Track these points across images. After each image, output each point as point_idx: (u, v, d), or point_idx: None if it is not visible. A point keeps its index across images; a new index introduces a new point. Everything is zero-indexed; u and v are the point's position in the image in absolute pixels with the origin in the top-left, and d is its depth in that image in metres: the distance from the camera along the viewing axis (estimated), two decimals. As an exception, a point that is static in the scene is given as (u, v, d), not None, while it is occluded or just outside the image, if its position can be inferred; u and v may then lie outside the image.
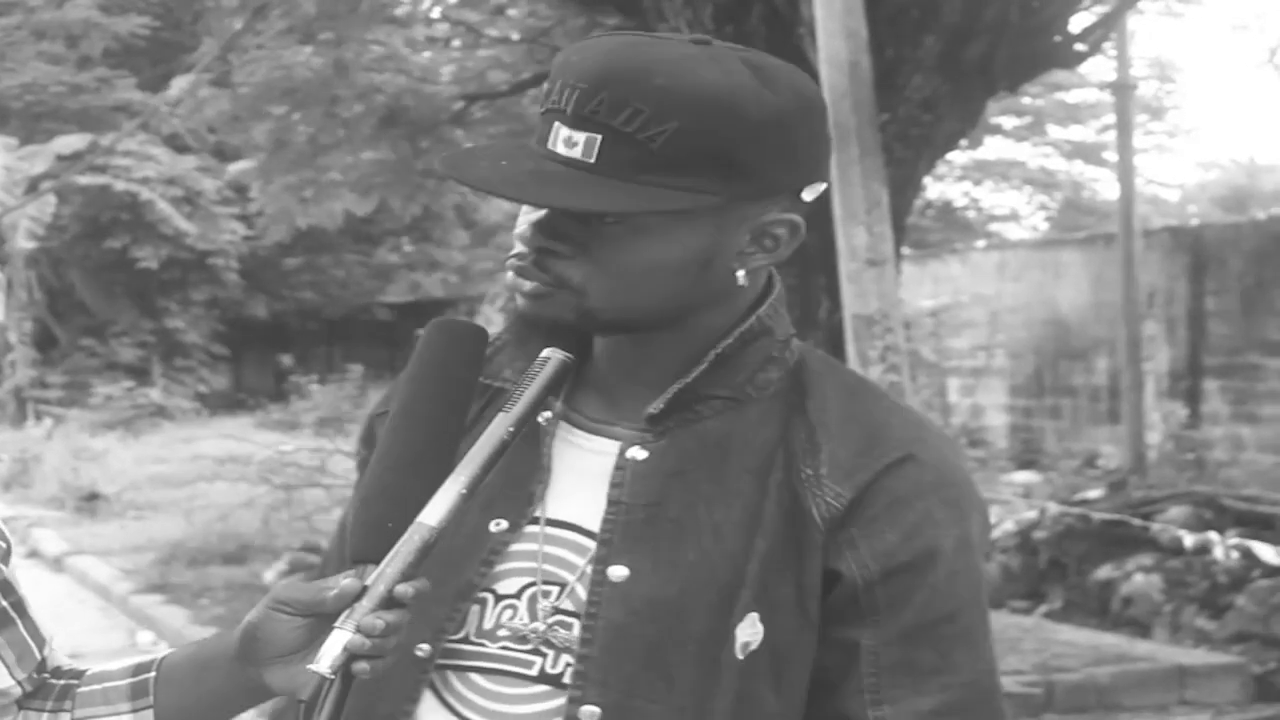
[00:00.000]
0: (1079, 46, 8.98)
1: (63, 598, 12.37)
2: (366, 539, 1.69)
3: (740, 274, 1.81)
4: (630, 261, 1.77)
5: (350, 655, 1.63)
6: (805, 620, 1.80)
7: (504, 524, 1.83)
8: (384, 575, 1.64)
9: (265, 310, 30.74)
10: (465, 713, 1.82)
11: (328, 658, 1.62)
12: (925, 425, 1.88)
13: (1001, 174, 32.58)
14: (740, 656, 1.77)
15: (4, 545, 1.92)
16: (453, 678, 1.83)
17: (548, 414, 1.85)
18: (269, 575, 12.04)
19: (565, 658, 1.80)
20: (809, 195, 1.83)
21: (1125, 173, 15.33)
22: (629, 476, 1.82)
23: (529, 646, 1.81)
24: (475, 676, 1.82)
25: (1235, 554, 9.69)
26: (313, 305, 31.35)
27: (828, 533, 1.79)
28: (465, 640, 1.82)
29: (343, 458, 14.41)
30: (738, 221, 1.79)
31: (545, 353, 1.76)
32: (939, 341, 19.08)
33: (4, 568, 1.90)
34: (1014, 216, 34.11)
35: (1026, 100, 28.07)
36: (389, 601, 1.64)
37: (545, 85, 1.80)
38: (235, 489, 14.73)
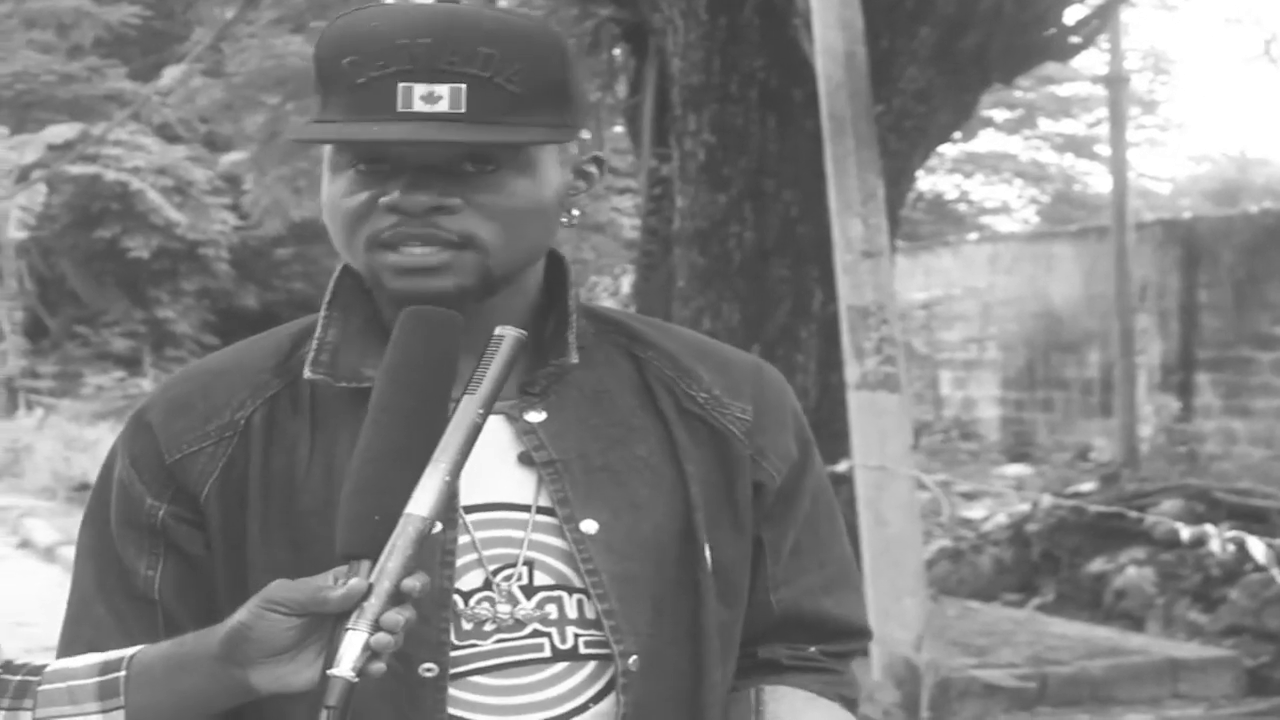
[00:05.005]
0: (1073, 39, 8.96)
1: (55, 587, 12.33)
2: (356, 534, 1.63)
3: (575, 213, 1.85)
4: (514, 206, 1.77)
5: (372, 655, 1.58)
6: (740, 534, 1.88)
7: (438, 524, 1.76)
8: (387, 570, 1.59)
9: (256, 300, 30.65)
10: (485, 718, 1.79)
11: (348, 660, 1.57)
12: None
13: (993, 167, 32.55)
14: (711, 572, 1.84)
15: None
16: (453, 689, 1.79)
17: None
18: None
19: (571, 629, 1.80)
20: (587, 134, 1.87)
21: (1118, 165, 15.32)
22: (546, 438, 1.82)
23: (527, 631, 1.79)
24: (480, 679, 1.79)
25: (1231, 547, 9.70)
26: (304, 295, 31.24)
27: (749, 446, 1.89)
28: (451, 647, 1.79)
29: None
30: (566, 160, 1.83)
31: (499, 330, 1.71)
32: (931, 334, 19.07)
33: None
34: (1005, 209, 34.11)
35: (1018, 93, 28.03)
36: (397, 597, 1.60)
37: (346, 59, 1.75)
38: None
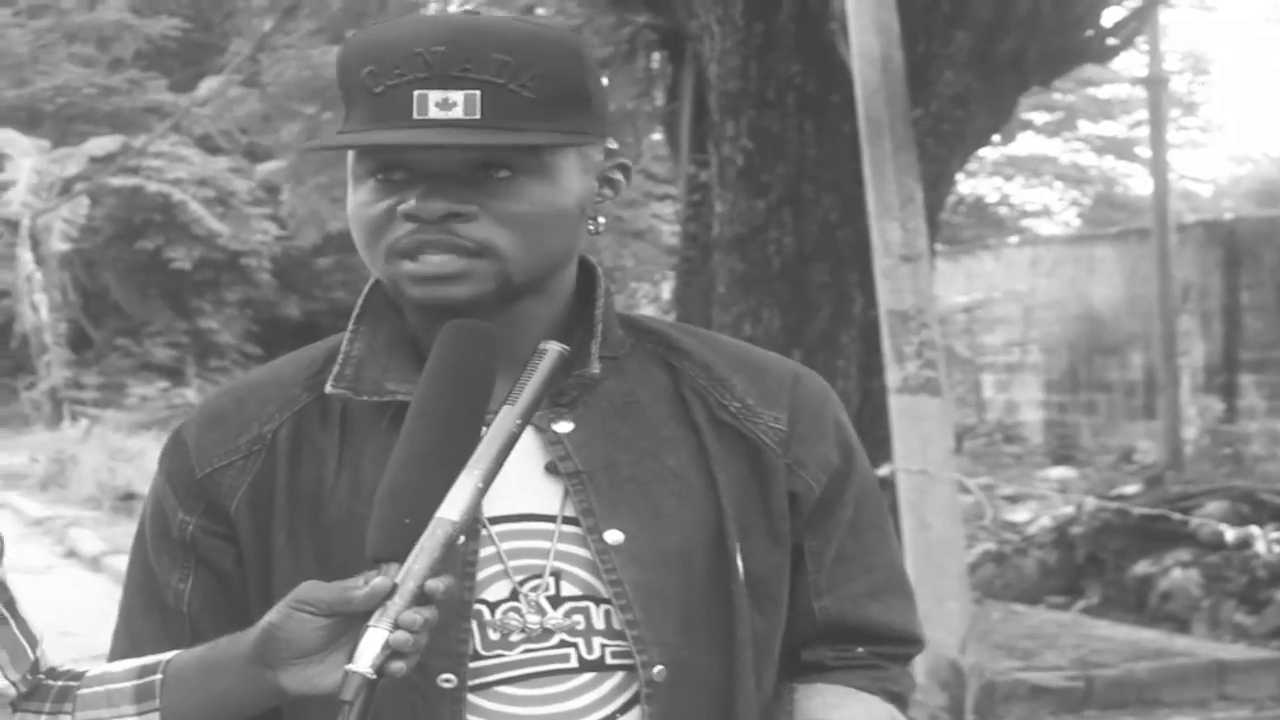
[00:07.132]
0: (1111, 41, 8.94)
1: (101, 597, 12.39)
2: (386, 537, 1.64)
3: (601, 220, 1.85)
4: (532, 212, 1.76)
5: (392, 653, 1.59)
6: (776, 543, 1.87)
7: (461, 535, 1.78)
8: (413, 571, 1.61)
9: (298, 310, 30.76)
10: None
11: (366, 657, 1.58)
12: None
13: (1033, 170, 32.48)
14: (744, 583, 1.84)
15: None
16: (477, 699, 1.79)
17: None
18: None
19: (597, 640, 1.79)
20: (613, 143, 1.87)
21: (1159, 167, 15.26)
22: (572, 449, 1.81)
23: (554, 641, 1.79)
24: (506, 689, 1.79)
25: (1277, 549, 9.65)
26: (345, 305, 31.30)
27: (784, 455, 1.88)
28: (476, 657, 1.79)
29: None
30: (589, 166, 1.82)
31: (543, 345, 1.73)
32: (973, 338, 19.03)
33: None
34: (1046, 212, 34.03)
35: (1057, 96, 27.96)
36: (420, 598, 1.61)
37: (365, 69, 1.76)
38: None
